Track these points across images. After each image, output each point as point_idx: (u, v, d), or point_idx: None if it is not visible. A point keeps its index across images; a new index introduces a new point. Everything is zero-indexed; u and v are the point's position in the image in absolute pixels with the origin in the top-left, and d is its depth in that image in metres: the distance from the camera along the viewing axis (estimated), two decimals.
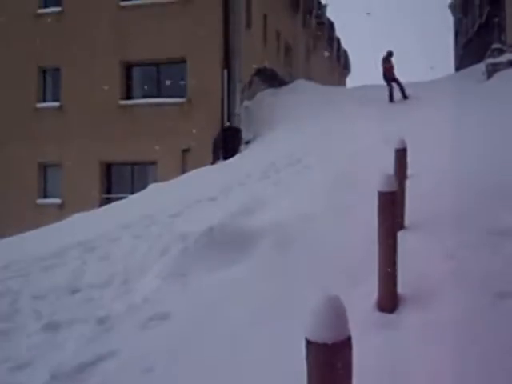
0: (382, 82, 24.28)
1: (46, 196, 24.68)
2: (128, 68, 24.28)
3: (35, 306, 7.47)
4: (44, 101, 25.05)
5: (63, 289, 7.98)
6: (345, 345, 2.29)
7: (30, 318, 7.10)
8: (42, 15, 24.74)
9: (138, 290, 7.39)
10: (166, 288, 7.23)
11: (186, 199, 13.17)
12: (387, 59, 24.62)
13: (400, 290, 5.30)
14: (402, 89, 24.04)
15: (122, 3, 23.79)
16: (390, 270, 5.22)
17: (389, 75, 24.27)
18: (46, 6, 25.08)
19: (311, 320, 2.29)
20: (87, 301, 7.43)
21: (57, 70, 24.69)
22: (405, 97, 23.84)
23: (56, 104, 24.48)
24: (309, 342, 2.29)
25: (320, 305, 2.30)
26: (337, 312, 2.29)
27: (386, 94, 24.10)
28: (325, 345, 2.25)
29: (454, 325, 4.66)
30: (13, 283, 8.59)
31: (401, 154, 7.81)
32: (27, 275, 9.01)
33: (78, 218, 14.69)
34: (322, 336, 2.25)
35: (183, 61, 23.02)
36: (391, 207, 5.29)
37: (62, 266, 9.26)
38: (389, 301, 5.22)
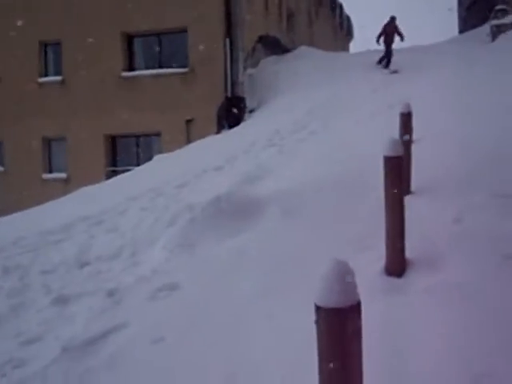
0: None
1: (51, 171, 24.71)
2: (129, 39, 24.16)
3: (44, 280, 7.49)
4: (46, 75, 24.98)
5: (72, 262, 8.00)
6: (354, 310, 2.28)
7: (40, 292, 7.12)
8: None
9: (146, 262, 7.40)
10: (174, 259, 7.23)
11: (191, 169, 13.16)
12: (390, 24, 23.94)
13: (408, 254, 5.30)
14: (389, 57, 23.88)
15: None
16: (397, 234, 5.21)
17: (389, 40, 23.78)
18: None
19: (320, 285, 2.28)
20: (96, 274, 7.45)
21: (58, 43, 24.57)
22: (386, 65, 23.70)
23: (58, 78, 24.43)
24: (318, 308, 2.28)
25: (329, 270, 2.29)
26: (346, 277, 2.27)
27: (384, 60, 23.92)
28: (334, 309, 2.24)
29: (463, 287, 4.66)
30: (22, 259, 8.62)
31: (406, 118, 7.76)
32: (35, 250, 9.04)
33: (84, 192, 14.70)
34: (332, 301, 2.24)
35: (184, 30, 22.88)
36: (397, 172, 5.26)
37: (70, 240, 9.30)
38: (397, 265, 5.22)
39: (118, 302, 6.31)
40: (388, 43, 23.85)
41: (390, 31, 23.82)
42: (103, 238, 9.04)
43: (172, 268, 6.96)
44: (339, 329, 2.26)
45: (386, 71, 23.09)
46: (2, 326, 6.38)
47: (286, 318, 4.83)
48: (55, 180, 23.94)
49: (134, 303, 6.20)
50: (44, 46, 25.06)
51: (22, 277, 7.78)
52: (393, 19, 24.07)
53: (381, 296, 4.67)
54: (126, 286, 6.71)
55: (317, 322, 2.30)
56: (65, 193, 16.96)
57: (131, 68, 23.96)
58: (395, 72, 22.36)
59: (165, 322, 5.52)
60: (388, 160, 5.21)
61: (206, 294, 5.97)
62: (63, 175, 23.93)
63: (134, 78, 23.52)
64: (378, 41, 23.82)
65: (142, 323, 5.62)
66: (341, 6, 52.27)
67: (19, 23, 24.01)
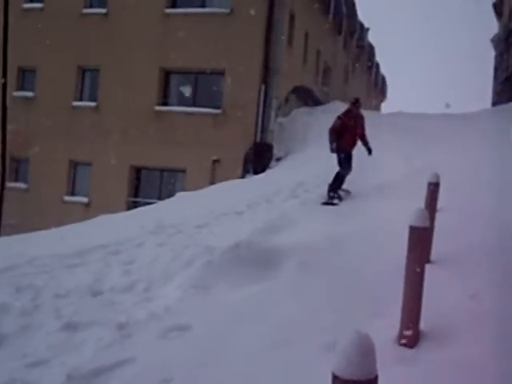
0: (417, 109, 22.84)
1: (73, 194, 24.87)
2: (167, 74, 24.45)
3: (56, 304, 7.48)
4: (81, 99, 25.28)
5: (85, 290, 7.99)
6: (371, 383, 2.28)
7: (50, 315, 7.10)
8: (86, 15, 25.02)
9: (159, 299, 7.40)
10: (187, 299, 7.22)
11: (212, 211, 13.20)
12: (351, 112, 14.13)
13: (421, 325, 5.27)
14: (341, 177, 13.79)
15: (167, 10, 23.99)
16: (414, 305, 5.19)
17: (349, 141, 13.87)
18: (91, 6, 25.36)
19: (340, 355, 2.28)
20: (108, 304, 7.43)
21: (96, 70, 24.93)
22: (331, 193, 13.49)
23: (92, 104, 24.70)
24: (335, 377, 2.28)
25: (350, 341, 2.29)
26: (367, 350, 2.28)
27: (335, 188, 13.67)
28: (352, 381, 2.23)
29: (474, 366, 4.63)
30: (35, 279, 8.61)
31: (433, 188, 7.78)
32: (50, 272, 9.04)
33: (104, 220, 14.75)
34: (350, 373, 2.23)
35: (222, 72, 23.12)
36: (422, 243, 5.26)
37: (86, 267, 9.29)
38: (410, 336, 5.19)
39: (127, 336, 6.30)
40: (346, 147, 13.86)
41: (349, 124, 13.86)
42: (118, 268, 9.03)
43: (185, 309, 6.95)
44: None
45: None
46: (10, 345, 6.37)
47: (292, 374, 4.82)
48: (76, 203, 24.08)
49: (144, 339, 6.19)
50: (82, 71, 25.42)
51: (34, 298, 7.76)
52: (356, 104, 14.38)
53: (392, 366, 4.63)
54: (137, 320, 6.70)
55: None
56: (84, 217, 17.04)
57: (165, 103, 24.19)
58: (329, 204, 12.97)
59: (173, 362, 5.49)
60: (413, 230, 5.21)
61: (217, 338, 5.95)
62: (85, 199, 24.09)
63: (166, 112, 23.74)
64: (332, 145, 13.61)
65: (150, 361, 5.60)
66: (377, 66, 52.65)
67: (61, 47, 24.44)
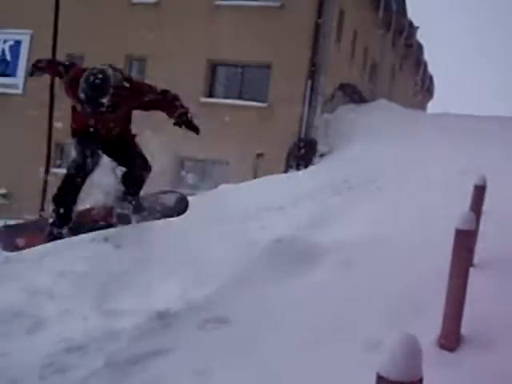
0: (466, 109, 22.59)
1: None
2: (213, 66, 24.48)
3: (96, 290, 7.51)
4: None
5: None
6: None
7: (90, 301, 7.14)
8: (136, 5, 25.16)
9: (199, 289, 7.39)
10: (227, 291, 7.20)
11: (255, 205, 13.16)
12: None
13: (462, 330, 5.17)
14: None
15: (217, 2, 24.03)
16: (457, 309, 5.10)
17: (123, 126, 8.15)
18: None
19: (386, 356, 2.24)
20: (148, 293, 7.44)
21: (143, 60, 25.06)
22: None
23: None
24: (380, 378, 2.23)
25: (397, 342, 2.25)
26: (413, 352, 2.24)
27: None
28: (397, 383, 2.19)
29: None
30: (77, 265, 8.65)
31: (479, 190, 7.63)
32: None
33: None
34: (396, 374, 2.19)
35: (269, 66, 23.09)
36: (467, 246, 5.16)
37: None
38: (451, 339, 5.09)
39: (166, 326, 6.32)
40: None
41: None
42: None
43: (224, 300, 6.92)
44: None
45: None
46: (50, 328, 6.41)
47: (334, 370, 4.76)
48: None
49: (182, 330, 6.19)
50: (130, 60, 25.57)
51: (74, 283, 7.79)
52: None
53: (433, 369, 4.52)
54: (176, 310, 6.72)
55: None
56: None
57: (211, 95, 24.21)
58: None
59: (210, 354, 5.46)
60: (459, 233, 5.11)
61: (255, 332, 5.90)
62: None
63: (212, 104, 23.75)
64: None
65: (187, 352, 5.57)
66: (425, 65, 52.17)
67: (109, 35, 24.61)
